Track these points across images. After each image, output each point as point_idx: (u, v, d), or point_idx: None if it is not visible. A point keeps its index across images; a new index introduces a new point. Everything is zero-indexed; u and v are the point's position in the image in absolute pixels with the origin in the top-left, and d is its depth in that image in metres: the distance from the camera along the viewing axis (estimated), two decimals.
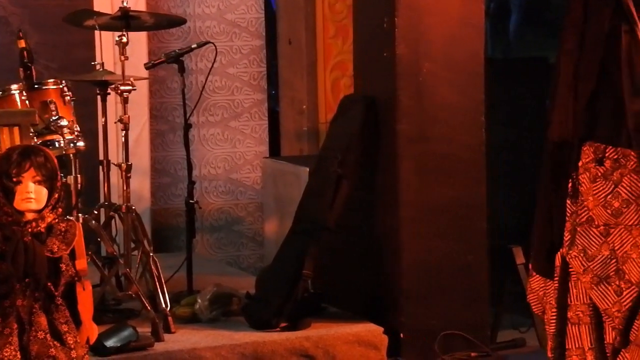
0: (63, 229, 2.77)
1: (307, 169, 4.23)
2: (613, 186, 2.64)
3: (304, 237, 3.83)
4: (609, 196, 2.64)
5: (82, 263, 2.76)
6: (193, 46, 3.99)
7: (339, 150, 3.88)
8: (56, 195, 2.74)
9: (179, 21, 4.19)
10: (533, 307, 2.81)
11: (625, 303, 2.61)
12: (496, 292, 3.90)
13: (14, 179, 2.74)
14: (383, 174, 3.86)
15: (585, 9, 2.62)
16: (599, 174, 2.65)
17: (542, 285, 2.77)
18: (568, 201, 2.68)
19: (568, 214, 2.68)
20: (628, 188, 2.63)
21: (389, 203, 3.81)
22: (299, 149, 4.95)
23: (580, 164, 2.66)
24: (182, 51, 3.93)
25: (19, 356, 2.66)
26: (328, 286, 3.88)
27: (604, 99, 2.61)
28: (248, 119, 4.94)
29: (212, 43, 4.08)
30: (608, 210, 2.64)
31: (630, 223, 2.63)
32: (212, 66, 4.14)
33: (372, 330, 3.61)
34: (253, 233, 4.94)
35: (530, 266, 2.82)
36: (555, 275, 2.70)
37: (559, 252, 2.69)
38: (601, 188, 2.65)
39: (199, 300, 3.66)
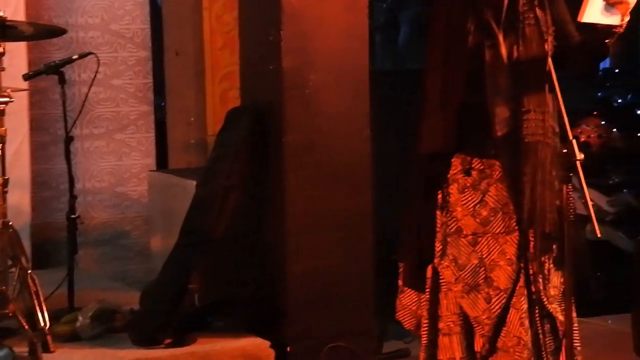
0: None
1: (195, 182, 4.18)
2: (481, 196, 2.72)
3: (190, 250, 3.78)
4: (478, 206, 2.71)
5: None
6: (74, 57, 3.90)
7: (227, 161, 3.85)
8: None
9: (59, 31, 4.08)
10: (405, 324, 2.84)
11: (494, 310, 2.68)
12: (382, 302, 3.94)
13: None
14: (270, 185, 3.85)
15: (448, 26, 2.69)
16: (467, 185, 2.72)
17: (416, 299, 2.81)
18: (438, 212, 2.74)
19: (438, 225, 2.74)
20: (495, 197, 2.71)
21: (276, 214, 3.81)
22: (187, 161, 4.89)
23: (448, 175, 2.72)
24: (63, 62, 3.84)
25: None
26: (215, 300, 3.84)
27: (471, 112, 2.68)
28: (134, 131, 4.86)
29: (94, 54, 3.99)
30: (477, 220, 2.71)
31: (497, 231, 2.71)
32: (95, 77, 4.04)
33: (258, 345, 3.59)
34: (140, 247, 4.86)
35: (400, 282, 2.85)
36: (427, 287, 2.75)
37: (430, 264, 2.74)
38: (470, 198, 2.72)
39: (80, 318, 3.57)
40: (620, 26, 2.61)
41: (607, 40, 2.66)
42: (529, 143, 2.65)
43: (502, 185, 2.70)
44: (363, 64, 3.84)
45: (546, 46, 2.60)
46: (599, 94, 6.90)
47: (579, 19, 2.57)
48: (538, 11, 2.61)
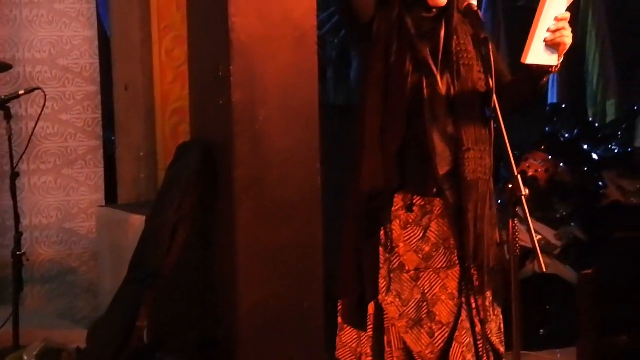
0: None
1: (144, 217, 4.15)
2: (423, 231, 2.74)
3: (138, 286, 3.75)
4: (420, 241, 2.73)
5: None
6: (20, 92, 3.88)
7: (176, 196, 3.84)
8: None
9: (5, 67, 4.06)
10: None
11: (437, 344, 2.69)
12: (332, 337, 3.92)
13: None
14: (220, 220, 3.84)
15: (387, 65, 2.72)
16: (410, 221, 2.74)
17: (356, 337, 2.80)
18: (381, 249, 2.74)
19: (382, 262, 2.74)
20: (436, 232, 2.73)
21: (226, 248, 3.79)
22: (137, 196, 4.86)
23: (390, 211, 2.74)
24: (8, 97, 3.81)
25: None
26: (164, 336, 3.79)
27: (410, 150, 2.71)
28: (83, 166, 4.82)
29: (41, 89, 3.97)
30: (419, 255, 2.73)
31: (438, 266, 2.73)
32: (42, 112, 4.01)
33: None
34: (87, 283, 4.79)
35: (339, 320, 2.84)
36: (369, 323, 2.75)
37: (372, 301, 2.74)
38: (412, 234, 2.74)
39: (25, 357, 3.52)
40: (557, 66, 2.67)
41: (543, 80, 2.72)
42: (470, 180, 2.69)
43: (443, 221, 2.73)
44: (312, 99, 3.86)
45: (490, 82, 2.65)
46: (547, 129, 7.02)
47: (522, 61, 2.62)
48: (471, 50, 2.66)
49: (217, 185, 3.84)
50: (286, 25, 3.75)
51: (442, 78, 2.71)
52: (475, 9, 2.67)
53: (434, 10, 2.73)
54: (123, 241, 4.44)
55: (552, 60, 2.65)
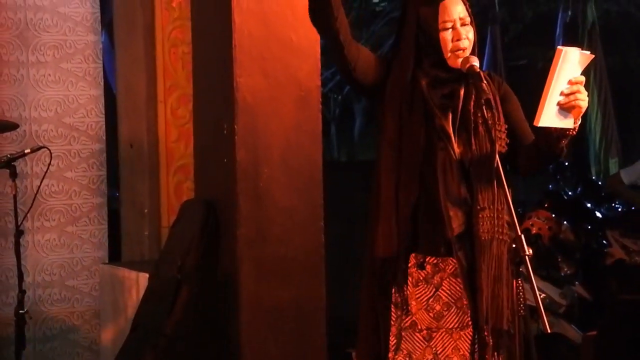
0: None
1: (147, 274, 4.14)
2: (434, 290, 2.72)
3: (141, 344, 3.73)
4: (431, 299, 2.72)
5: None
6: (26, 151, 3.89)
7: (179, 254, 3.84)
8: None
9: (10, 126, 4.09)
10: None
11: None
12: None
13: None
14: (223, 277, 3.83)
15: (400, 128, 2.73)
16: (421, 278, 2.73)
17: None
18: (392, 306, 2.73)
19: (393, 319, 2.74)
20: (448, 291, 2.72)
21: (228, 306, 3.77)
22: (140, 254, 4.85)
23: (403, 273, 2.73)
24: (14, 156, 3.83)
25: None
26: None
27: (423, 211, 2.71)
28: (87, 224, 4.82)
29: (47, 148, 3.99)
30: (430, 314, 2.71)
31: (450, 326, 2.71)
32: (47, 171, 4.03)
33: None
34: (89, 342, 4.76)
35: None
36: None
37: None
38: (423, 292, 2.73)
39: None
40: (574, 129, 2.64)
41: (562, 142, 2.69)
42: (484, 240, 2.66)
43: (455, 280, 2.72)
44: (315, 158, 3.88)
45: (497, 143, 2.66)
46: (550, 187, 7.03)
47: (535, 123, 2.60)
48: (486, 110, 2.65)
49: (220, 243, 3.84)
50: (291, 85, 3.79)
51: (458, 139, 2.71)
52: (478, 70, 2.67)
53: (454, 71, 2.73)
54: (126, 299, 4.42)
55: (566, 123, 2.61)
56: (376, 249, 2.73)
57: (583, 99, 2.57)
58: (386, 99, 2.76)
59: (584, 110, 2.60)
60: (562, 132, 2.64)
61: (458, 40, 2.71)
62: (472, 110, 2.71)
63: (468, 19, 2.74)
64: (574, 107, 2.58)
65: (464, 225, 2.68)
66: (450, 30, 2.71)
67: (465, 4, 2.76)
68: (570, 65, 2.56)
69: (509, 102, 2.82)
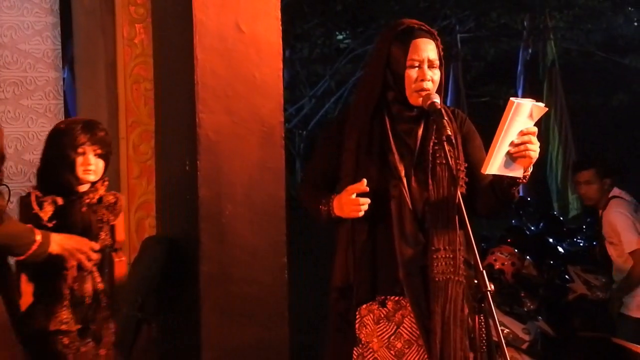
0: (112, 201, 3.16)
1: None
2: (395, 327, 2.72)
3: None
4: (392, 337, 2.71)
5: (121, 235, 3.20)
6: None
7: (139, 293, 3.78)
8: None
9: None
10: None
11: None
12: None
13: (78, 150, 3.07)
14: (185, 316, 3.78)
15: (357, 163, 2.73)
16: (382, 315, 2.73)
17: None
18: (355, 347, 2.72)
19: (355, 357, 2.71)
20: (409, 329, 2.71)
21: (190, 346, 3.72)
22: None
23: (364, 306, 2.72)
24: None
25: None
26: None
27: (380, 250, 2.70)
28: None
29: (6, 185, 3.92)
30: (392, 352, 2.70)
31: None
32: (7, 205, 3.95)
33: None
34: None
35: None
36: None
37: None
38: (385, 329, 2.72)
39: None
40: (524, 177, 2.63)
41: (512, 189, 2.69)
42: (438, 282, 2.66)
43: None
44: (279, 195, 3.87)
45: (460, 180, 2.66)
46: (512, 222, 7.07)
47: (482, 171, 2.60)
48: (447, 147, 2.66)
49: (182, 281, 3.80)
50: (254, 122, 3.79)
51: (415, 178, 2.70)
52: (439, 106, 2.68)
53: (415, 109, 2.74)
54: None
55: (515, 172, 2.60)
56: (334, 280, 2.73)
57: (534, 150, 2.56)
58: (345, 136, 2.76)
59: (534, 160, 2.59)
60: (511, 179, 2.63)
61: (422, 80, 2.71)
62: (430, 151, 2.71)
63: (437, 62, 2.74)
64: (524, 156, 2.57)
65: (415, 268, 2.66)
66: (417, 69, 2.72)
67: (437, 47, 2.76)
68: (522, 117, 2.55)
69: (471, 141, 2.83)
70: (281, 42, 3.80)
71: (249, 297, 3.75)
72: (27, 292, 3.22)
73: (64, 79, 4.93)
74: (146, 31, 4.59)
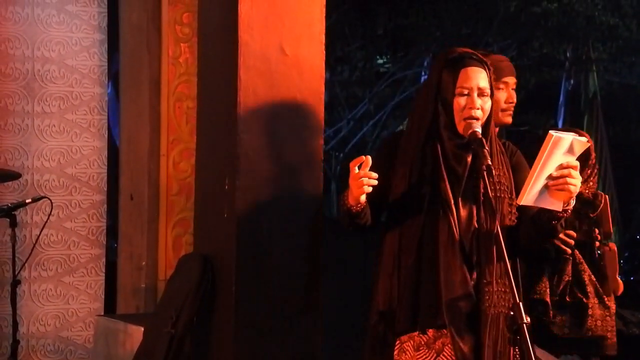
0: None
1: (141, 328, 4.10)
2: (435, 355, 2.70)
3: None
4: None
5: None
6: (27, 201, 3.90)
7: (174, 309, 3.81)
8: None
9: (13, 175, 4.10)
10: None
11: None
12: None
13: None
14: (218, 333, 3.80)
15: (408, 188, 2.72)
16: (423, 342, 2.71)
17: None
18: None
19: None
20: (449, 357, 2.69)
21: None
22: (136, 306, 4.82)
23: (404, 330, 2.71)
24: (15, 206, 3.83)
25: None
26: None
27: (425, 280, 2.68)
28: (84, 274, 4.80)
29: (48, 198, 4.00)
30: None
31: None
32: (47, 220, 4.02)
33: None
34: None
35: None
36: None
37: None
38: (424, 356, 2.70)
39: None
40: (565, 211, 2.60)
41: (552, 223, 2.65)
42: (491, 315, 2.63)
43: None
44: (315, 217, 3.87)
45: (507, 217, 2.63)
46: None
47: (517, 202, 2.59)
48: (505, 182, 2.63)
49: (216, 299, 3.82)
50: (293, 143, 3.80)
51: (463, 207, 2.67)
52: (480, 136, 2.67)
53: (465, 137, 2.70)
54: (119, 352, 4.38)
55: (553, 205, 2.55)
56: (376, 301, 2.72)
57: (574, 184, 2.52)
58: (398, 160, 2.76)
59: (574, 194, 2.55)
60: (551, 213, 2.59)
61: (471, 108, 2.69)
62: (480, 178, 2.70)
63: (488, 91, 2.71)
64: (563, 189, 2.53)
65: (461, 297, 2.63)
66: (466, 97, 2.70)
67: (488, 76, 2.73)
68: (561, 150, 2.50)
69: (519, 172, 2.79)
70: (324, 66, 3.83)
71: (283, 316, 3.75)
72: None
73: (107, 94, 5.01)
74: (191, 50, 4.66)
